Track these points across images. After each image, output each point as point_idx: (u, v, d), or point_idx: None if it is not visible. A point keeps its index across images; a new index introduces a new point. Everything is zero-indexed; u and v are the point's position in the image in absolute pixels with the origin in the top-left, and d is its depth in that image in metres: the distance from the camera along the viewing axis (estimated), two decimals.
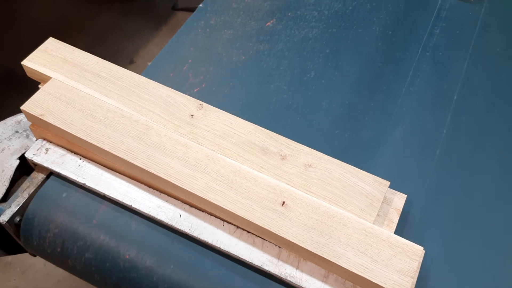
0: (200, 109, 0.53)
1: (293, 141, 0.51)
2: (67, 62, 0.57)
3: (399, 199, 0.50)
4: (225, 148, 0.50)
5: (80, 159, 0.53)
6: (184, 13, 1.83)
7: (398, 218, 0.48)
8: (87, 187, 0.51)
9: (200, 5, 0.73)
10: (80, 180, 0.52)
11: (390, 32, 0.68)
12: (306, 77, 0.63)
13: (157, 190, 0.51)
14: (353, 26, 0.69)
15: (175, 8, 1.86)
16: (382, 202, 0.48)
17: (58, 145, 0.54)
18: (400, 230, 0.49)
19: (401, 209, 0.49)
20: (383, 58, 0.65)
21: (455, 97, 0.61)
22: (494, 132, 0.58)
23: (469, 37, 0.67)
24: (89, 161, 0.53)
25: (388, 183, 0.48)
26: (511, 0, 0.70)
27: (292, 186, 0.48)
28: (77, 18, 1.86)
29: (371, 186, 0.48)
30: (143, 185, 0.51)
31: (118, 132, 0.51)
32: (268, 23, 0.69)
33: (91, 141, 0.50)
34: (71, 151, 0.54)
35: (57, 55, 0.57)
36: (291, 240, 0.44)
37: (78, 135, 0.50)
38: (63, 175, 0.52)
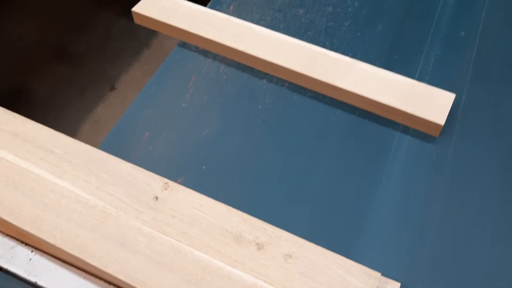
0: (165, 189, 0.47)
1: (270, 226, 0.45)
2: (17, 137, 0.51)
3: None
4: (193, 237, 0.44)
5: (32, 251, 0.47)
6: (166, 35, 1.77)
7: None
8: (38, 286, 0.45)
9: None
10: (32, 278, 0.46)
11: None
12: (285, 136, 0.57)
13: None
14: None
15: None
16: None
17: (8, 235, 0.48)
18: None
19: None
20: None
21: None
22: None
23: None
24: (42, 253, 0.47)
25: (378, 274, 0.42)
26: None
27: (270, 284, 0.42)
28: (55, 42, 1.80)
29: (360, 279, 0.42)
30: (103, 283, 0.45)
31: (73, 222, 0.45)
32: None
33: (41, 236, 0.44)
34: (23, 242, 0.48)
35: (6, 129, 0.51)
36: None
37: (26, 228, 0.44)
38: (12, 272, 0.46)
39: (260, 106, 0.59)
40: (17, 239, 0.48)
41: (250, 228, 0.45)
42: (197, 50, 0.65)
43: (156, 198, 0.47)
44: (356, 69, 0.57)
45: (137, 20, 0.68)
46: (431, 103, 0.54)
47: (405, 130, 0.57)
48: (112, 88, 1.65)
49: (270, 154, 0.56)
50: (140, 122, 0.58)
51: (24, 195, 0.46)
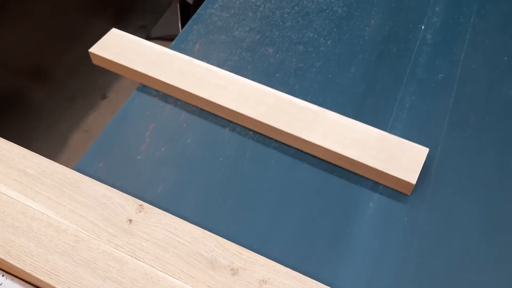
0: (140, 211, 0.46)
1: (246, 250, 0.44)
2: None
3: None
4: (167, 262, 0.43)
5: (3, 275, 0.46)
6: (159, 41, 1.76)
7: None
8: None
9: None
10: None
11: None
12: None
13: None
14: None
15: (149, 38, 1.80)
16: None
17: None
18: None
19: None
20: None
21: None
22: None
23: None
24: (13, 278, 0.46)
25: None
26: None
27: None
28: (47, 51, 1.79)
29: None
30: None
31: (43, 247, 0.44)
32: None
33: (10, 261, 0.43)
34: None
35: None
36: None
37: None
38: None
39: (221, 159, 0.54)
40: None
41: (225, 253, 0.44)
42: (158, 94, 0.60)
43: (130, 221, 0.46)
44: (324, 119, 0.54)
45: (95, 61, 0.64)
46: (402, 159, 0.50)
47: (375, 187, 0.52)
48: (104, 97, 1.64)
49: (229, 216, 0.50)
50: (93, 175, 0.50)
51: None
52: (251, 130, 0.56)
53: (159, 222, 0.46)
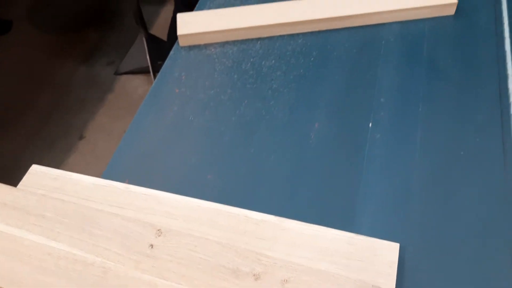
0: (159, 235, 0.50)
1: (263, 255, 0.48)
2: (6, 206, 0.52)
3: None
4: (194, 278, 0.47)
5: None
6: (128, 76, 1.80)
7: None
8: None
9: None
10: None
11: None
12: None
13: None
14: None
15: (118, 73, 1.83)
16: None
17: None
18: None
19: None
20: None
21: None
22: None
23: None
24: None
25: (370, 286, 0.45)
26: None
27: None
28: (18, 98, 1.79)
29: None
30: None
31: (73, 282, 0.46)
32: None
33: None
34: None
35: None
36: None
37: None
38: None
39: None
40: None
41: (245, 261, 0.47)
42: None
43: (152, 246, 0.49)
44: (284, 232, 0.51)
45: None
46: (376, 261, 0.48)
47: None
48: (81, 137, 1.65)
49: None
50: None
51: (22, 263, 0.47)
52: None
53: (179, 242, 0.49)
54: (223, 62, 0.71)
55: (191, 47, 0.74)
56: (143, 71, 1.76)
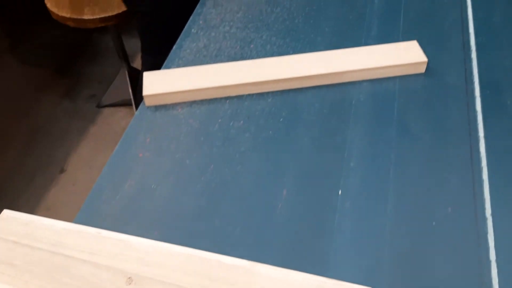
0: (129, 283, 0.48)
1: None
2: None
3: None
4: None
5: None
6: (110, 109, 1.78)
7: None
8: None
9: None
10: None
11: None
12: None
13: None
14: None
15: (100, 106, 1.82)
16: None
17: None
18: None
19: None
20: None
21: None
22: None
23: None
24: None
25: None
26: None
27: None
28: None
29: None
30: None
31: None
32: None
33: None
34: None
35: None
36: None
37: None
38: None
39: None
40: None
41: None
42: None
43: None
44: (256, 277, 0.50)
45: None
46: None
47: None
48: (62, 171, 1.62)
49: None
50: None
51: None
52: None
53: None
54: (190, 123, 0.69)
55: (157, 107, 0.72)
56: (126, 103, 1.76)
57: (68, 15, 1.23)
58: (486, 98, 0.70)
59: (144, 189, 0.61)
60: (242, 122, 0.68)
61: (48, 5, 1.27)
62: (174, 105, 0.72)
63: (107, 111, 1.82)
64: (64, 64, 2.00)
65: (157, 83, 0.72)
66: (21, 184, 1.65)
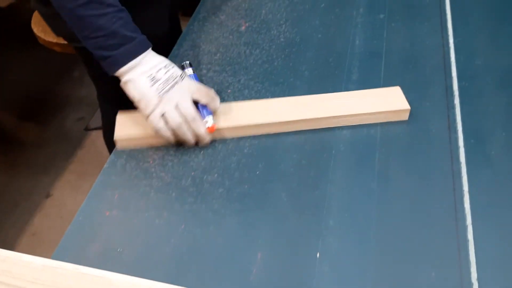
0: None
1: None
2: None
3: None
4: None
5: None
6: (98, 131, 1.75)
7: None
8: None
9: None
10: None
11: None
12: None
13: None
14: None
15: (88, 129, 1.79)
16: None
17: None
18: None
19: None
20: None
21: None
22: None
23: None
24: None
25: None
26: None
27: None
28: None
29: None
30: None
31: None
32: None
33: None
34: None
35: None
36: None
37: None
38: None
39: None
40: None
41: None
42: None
43: None
44: None
45: None
46: None
47: None
48: (48, 196, 1.58)
49: None
50: None
51: None
52: None
53: None
54: (161, 177, 0.65)
55: (127, 158, 0.68)
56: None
57: (54, 41, 1.20)
58: (470, 149, 0.67)
59: (109, 253, 0.57)
60: (216, 175, 0.65)
61: (35, 30, 1.25)
62: (145, 157, 0.68)
63: (95, 134, 1.80)
64: (52, 87, 1.99)
65: (130, 124, 0.69)
66: (6, 209, 1.63)
